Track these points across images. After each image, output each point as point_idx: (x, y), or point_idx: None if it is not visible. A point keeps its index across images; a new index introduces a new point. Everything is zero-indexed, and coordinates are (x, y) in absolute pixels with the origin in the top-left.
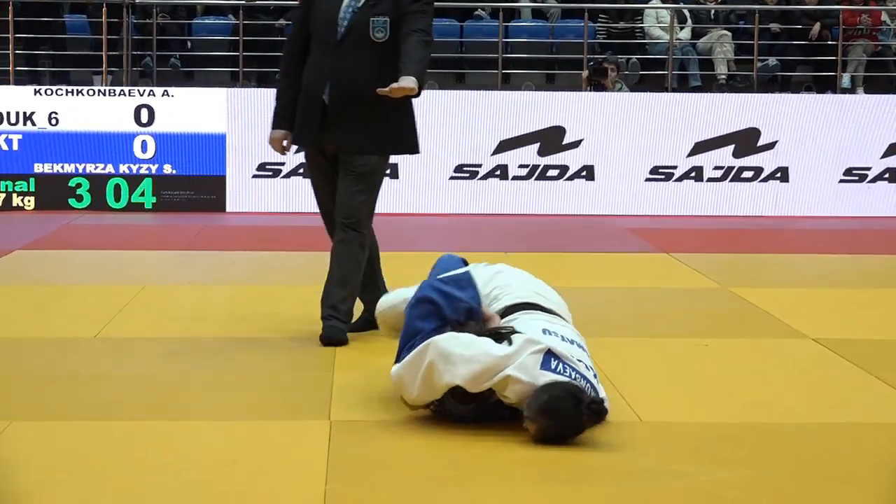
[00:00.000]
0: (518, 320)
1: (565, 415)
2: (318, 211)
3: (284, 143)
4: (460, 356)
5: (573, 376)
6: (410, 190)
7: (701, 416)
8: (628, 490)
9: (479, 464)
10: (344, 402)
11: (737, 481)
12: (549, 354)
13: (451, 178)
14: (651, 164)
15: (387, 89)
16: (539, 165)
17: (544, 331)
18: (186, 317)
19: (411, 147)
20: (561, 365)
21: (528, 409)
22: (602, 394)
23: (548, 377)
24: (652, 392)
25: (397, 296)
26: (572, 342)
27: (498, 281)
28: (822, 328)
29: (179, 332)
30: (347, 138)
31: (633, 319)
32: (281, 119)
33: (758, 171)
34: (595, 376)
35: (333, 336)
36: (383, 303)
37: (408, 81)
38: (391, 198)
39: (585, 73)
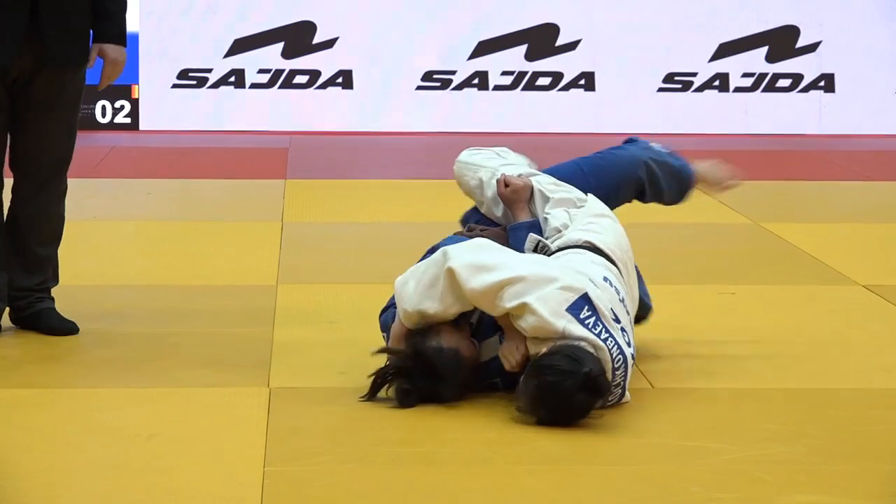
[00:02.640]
0: (585, 257)
1: (566, 402)
2: None
3: None
4: (481, 262)
5: (604, 338)
6: (367, 102)
7: (725, 381)
8: (638, 471)
9: (445, 439)
10: (286, 364)
11: (769, 459)
12: (586, 300)
13: (418, 87)
14: (665, 71)
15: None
16: (527, 72)
17: (605, 279)
18: (92, 261)
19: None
20: (594, 318)
21: (519, 398)
22: (624, 376)
23: (572, 325)
24: (666, 352)
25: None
26: (628, 312)
27: (601, 221)
28: (874, 272)
29: (83, 279)
30: (66, 49)
31: (644, 262)
32: None
33: (797, 78)
34: (633, 356)
35: (62, 326)
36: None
37: (117, 52)
38: (343, 112)
39: None
